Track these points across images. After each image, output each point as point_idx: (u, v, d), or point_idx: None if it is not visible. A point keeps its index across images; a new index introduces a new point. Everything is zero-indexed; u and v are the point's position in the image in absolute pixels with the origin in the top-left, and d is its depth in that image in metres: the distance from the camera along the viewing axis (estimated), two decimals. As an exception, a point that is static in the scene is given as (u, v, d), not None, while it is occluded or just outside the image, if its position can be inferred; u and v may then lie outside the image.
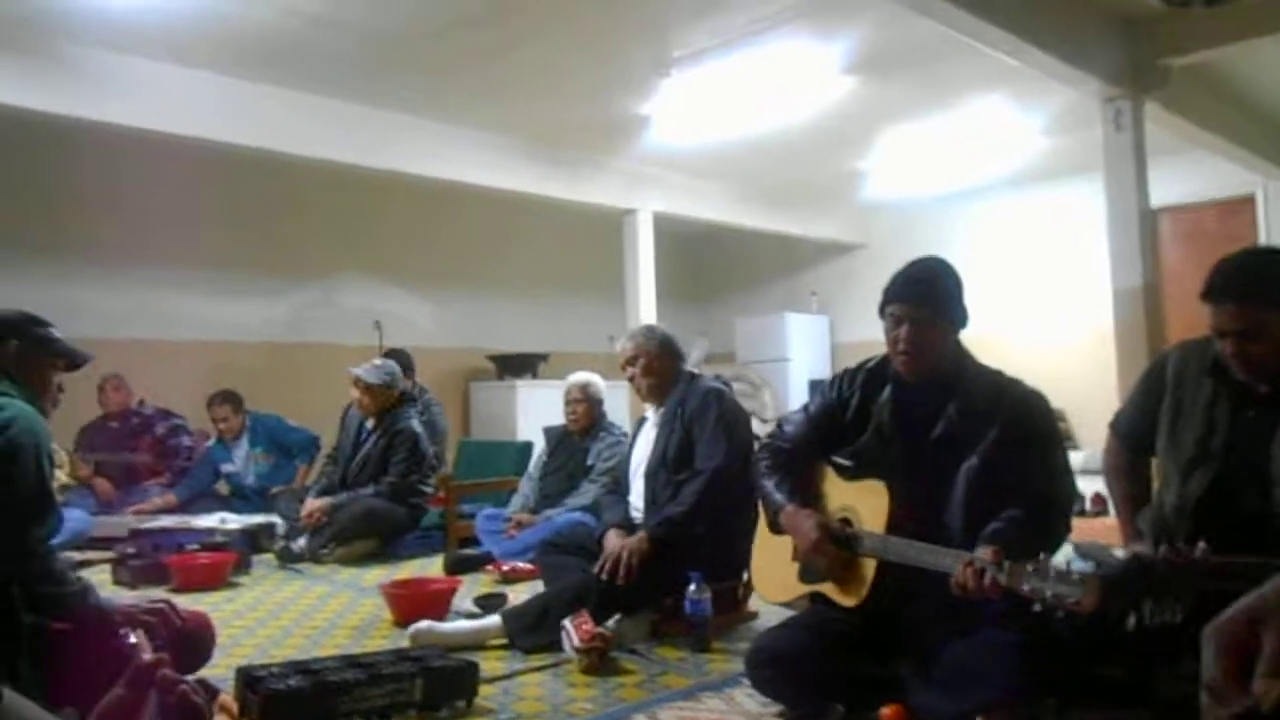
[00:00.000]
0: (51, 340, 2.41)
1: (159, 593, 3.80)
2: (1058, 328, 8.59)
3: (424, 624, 2.93)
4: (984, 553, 1.95)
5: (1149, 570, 2.05)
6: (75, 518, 4.95)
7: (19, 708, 0.62)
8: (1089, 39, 5.20)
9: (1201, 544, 2.02)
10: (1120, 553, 2.77)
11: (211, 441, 6.07)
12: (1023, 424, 2.29)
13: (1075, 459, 6.08)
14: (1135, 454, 2.64)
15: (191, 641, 2.30)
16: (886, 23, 5.09)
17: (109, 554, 4.57)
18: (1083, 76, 5.20)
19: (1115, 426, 2.72)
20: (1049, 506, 2.24)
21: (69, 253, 6.56)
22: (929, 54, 5.55)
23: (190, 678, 1.75)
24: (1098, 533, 4.76)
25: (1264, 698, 0.66)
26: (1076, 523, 5.42)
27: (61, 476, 5.44)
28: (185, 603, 2.75)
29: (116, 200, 6.58)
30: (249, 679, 2.22)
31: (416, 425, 5.15)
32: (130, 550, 4.41)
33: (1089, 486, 5.47)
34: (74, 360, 2.48)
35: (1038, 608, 1.83)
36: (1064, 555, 2.59)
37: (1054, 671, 2.04)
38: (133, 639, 1.80)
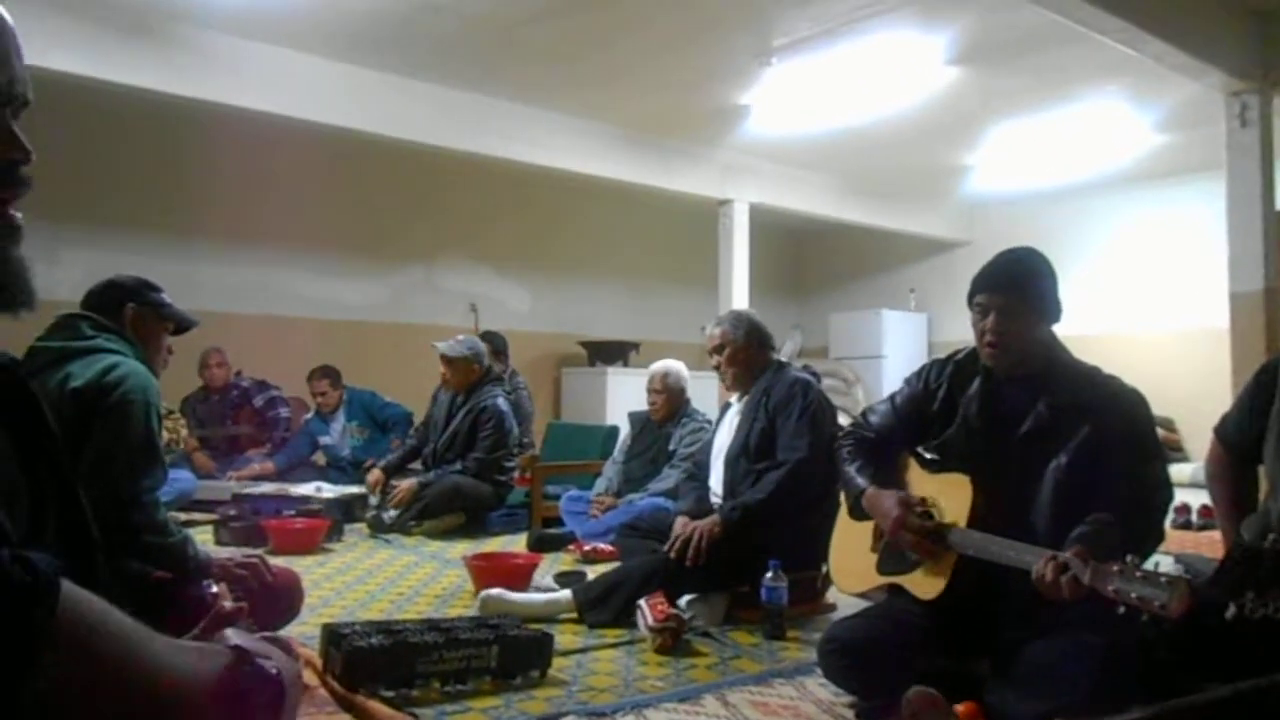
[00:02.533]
0: (163, 304, 2.54)
1: (238, 551, 3.96)
2: (1168, 333, 8.23)
3: (495, 591, 3.00)
4: (1069, 551, 1.89)
5: (1254, 559, 1.95)
6: (182, 478, 5.21)
7: (79, 602, 0.65)
8: (1214, 29, 4.95)
9: None
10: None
11: (310, 414, 6.30)
12: (1117, 423, 2.20)
13: (1183, 471, 5.88)
14: (1241, 460, 2.53)
15: (280, 596, 2.40)
16: (994, 10, 4.94)
17: (211, 515, 4.80)
18: (1206, 68, 4.96)
19: (1220, 431, 2.60)
20: (1141, 511, 2.15)
21: (183, 229, 6.87)
22: (1039, 44, 5.37)
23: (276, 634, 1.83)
24: (1204, 547, 4.56)
25: None
26: (1182, 535, 5.23)
27: (183, 434, 5.71)
28: (279, 563, 2.88)
29: (230, 180, 6.83)
30: (333, 636, 2.30)
31: (503, 403, 5.23)
32: (232, 513, 4.63)
33: (1197, 499, 5.24)
34: (182, 324, 2.61)
35: (1122, 610, 1.76)
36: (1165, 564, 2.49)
37: (1140, 678, 1.97)
38: (214, 588, 1.88)
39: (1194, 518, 5.45)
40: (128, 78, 5.14)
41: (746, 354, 3.37)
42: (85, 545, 0.83)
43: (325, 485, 5.27)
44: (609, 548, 4.08)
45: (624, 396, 7.92)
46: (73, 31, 4.80)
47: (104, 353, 2.31)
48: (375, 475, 5.23)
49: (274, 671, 0.77)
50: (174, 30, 5.27)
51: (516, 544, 4.59)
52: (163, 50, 5.24)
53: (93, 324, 2.39)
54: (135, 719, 0.68)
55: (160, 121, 6.39)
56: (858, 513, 2.46)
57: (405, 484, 5.02)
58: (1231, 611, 1.88)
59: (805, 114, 6.71)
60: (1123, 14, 4.31)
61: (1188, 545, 4.67)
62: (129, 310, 2.45)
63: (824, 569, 3.14)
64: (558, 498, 4.98)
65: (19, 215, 0.84)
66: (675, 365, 4.73)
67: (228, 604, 1.46)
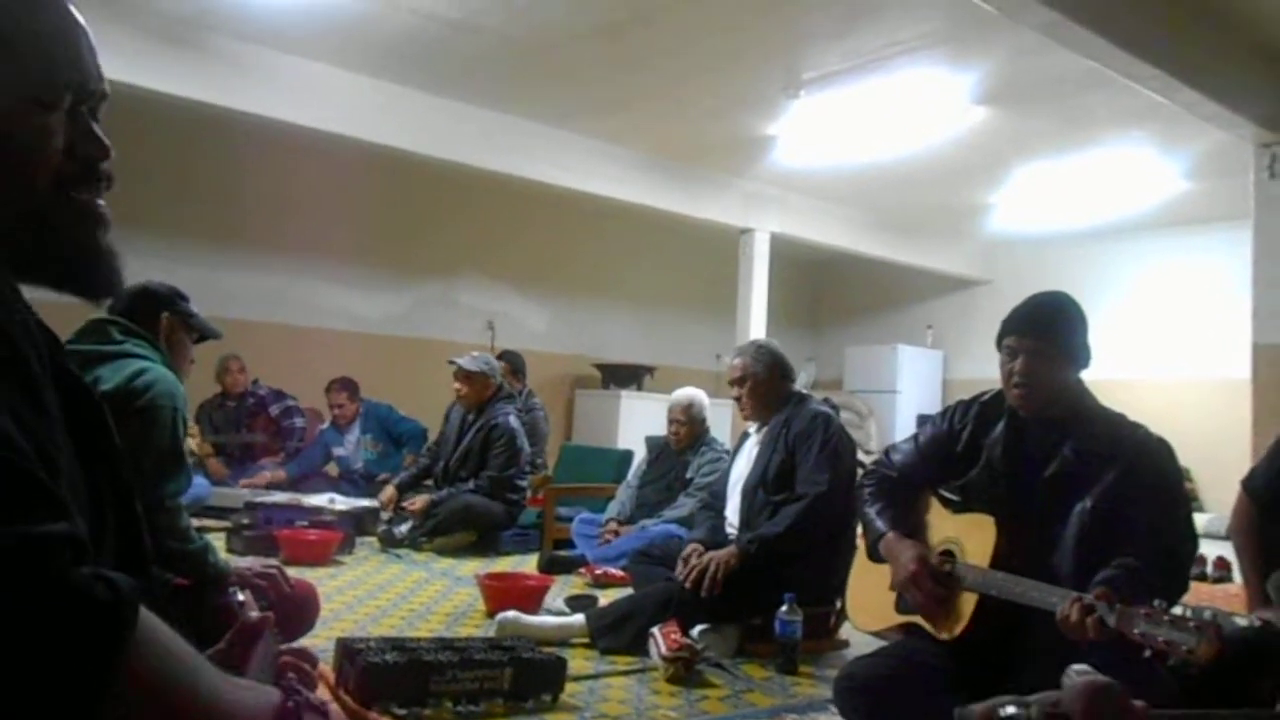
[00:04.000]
0: (191, 314, 2.55)
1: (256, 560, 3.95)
2: (1186, 381, 8.19)
3: (511, 613, 2.99)
4: (1094, 593, 1.88)
5: None
6: (196, 484, 5.20)
7: (154, 626, 0.65)
8: (1247, 79, 4.95)
9: None
10: (1242, 620, 2.62)
11: (325, 425, 6.31)
12: (1145, 470, 2.18)
13: (1198, 521, 5.79)
14: (1269, 515, 2.50)
15: (298, 608, 2.39)
16: (1025, 53, 4.96)
17: (224, 523, 4.80)
18: (1236, 119, 4.96)
19: (1248, 485, 2.58)
20: (1166, 559, 2.13)
21: (207, 235, 6.92)
22: (1067, 87, 5.40)
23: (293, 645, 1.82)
24: (1219, 600, 4.51)
25: None
26: (1197, 587, 5.17)
27: (193, 445, 5.73)
28: (294, 574, 2.87)
29: (254, 189, 6.89)
30: (348, 651, 2.30)
31: (514, 421, 5.23)
32: (245, 521, 4.63)
33: (1212, 550, 5.19)
34: (206, 334, 2.63)
35: (1148, 654, 1.74)
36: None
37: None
38: (240, 597, 1.88)
39: (1209, 569, 5.39)
40: (161, 85, 5.19)
41: (768, 386, 3.36)
42: (139, 558, 0.83)
43: (338, 497, 5.27)
44: (620, 573, 4.07)
45: (637, 420, 7.92)
46: (108, 37, 4.80)
47: (133, 358, 2.32)
48: (389, 493, 5.22)
49: (322, 707, 0.77)
50: (209, 40, 5.33)
51: (527, 564, 4.58)
52: (197, 60, 5.30)
53: (121, 329, 2.40)
54: None
55: (189, 129, 6.45)
56: (876, 556, 2.44)
57: (419, 498, 5.03)
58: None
59: (831, 147, 6.74)
60: (1156, 62, 4.31)
61: (1203, 597, 4.61)
62: (164, 319, 2.47)
63: (838, 604, 3.12)
64: (570, 520, 4.96)
65: (104, 204, 0.83)
66: (698, 394, 4.75)
67: (254, 613, 1.45)
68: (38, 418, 0.65)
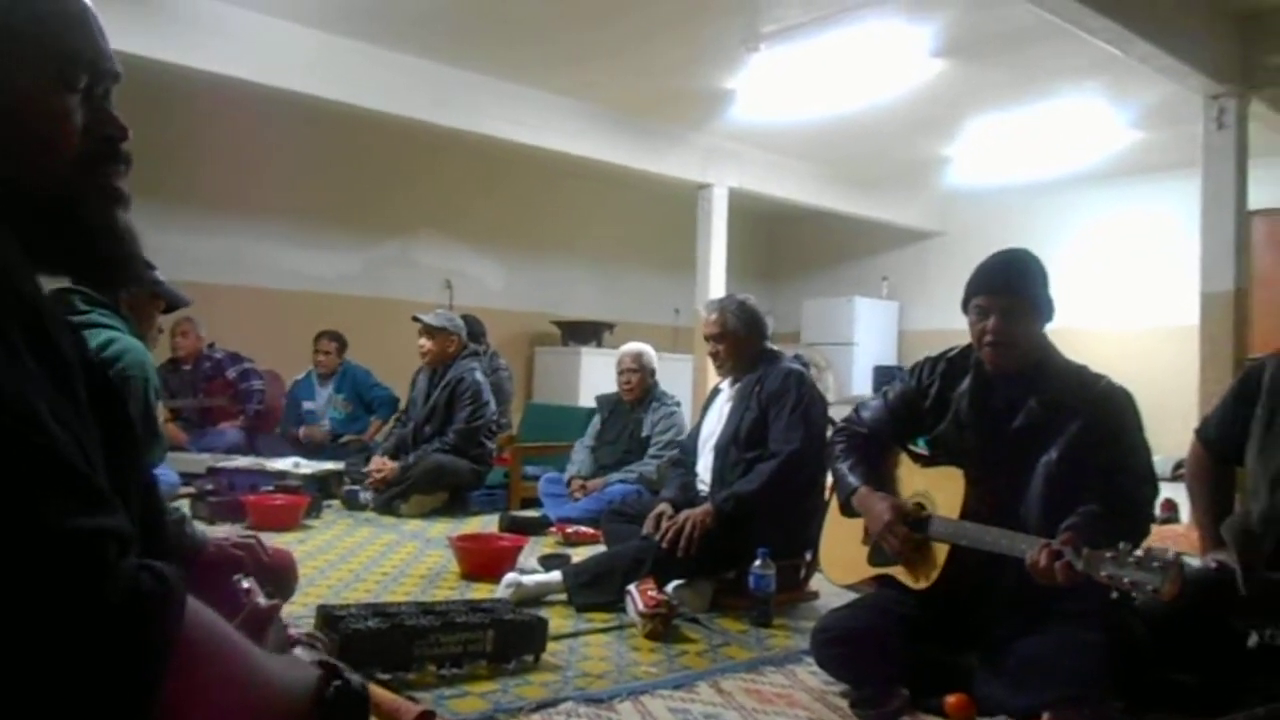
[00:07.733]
0: (157, 282, 2.50)
1: (234, 529, 3.92)
2: (1136, 328, 8.39)
3: (512, 575, 3.06)
4: (1061, 539, 1.95)
5: (1243, 582, 2.03)
6: (164, 475, 5.11)
7: (199, 611, 0.66)
8: (1198, 32, 5.03)
9: None
10: (1195, 561, 2.73)
11: (301, 376, 6.27)
12: (1107, 420, 2.26)
13: (1147, 463, 5.99)
14: (1221, 462, 2.60)
15: (277, 577, 2.38)
16: (981, 5, 4.99)
17: (188, 489, 4.73)
18: (1186, 70, 5.03)
19: (1202, 433, 2.67)
20: (1129, 505, 2.21)
21: (155, 196, 6.67)
22: (1023, 39, 5.43)
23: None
24: (1166, 540, 4.67)
25: None
26: (1144, 528, 5.30)
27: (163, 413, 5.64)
28: (268, 542, 2.85)
29: (204, 147, 6.67)
30: (329, 618, 2.30)
31: (479, 376, 5.19)
32: (209, 487, 4.57)
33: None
34: (174, 303, 2.58)
35: (1115, 595, 1.82)
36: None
37: (1127, 674, 2.03)
38: (246, 584, 1.87)
39: (1155, 511, 5.56)
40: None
41: (747, 344, 3.39)
42: (160, 543, 0.83)
43: (302, 460, 5.22)
44: (591, 530, 4.11)
45: (597, 377, 7.92)
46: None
47: (99, 328, 2.27)
48: (379, 463, 5.04)
49: (361, 686, 0.78)
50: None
51: (495, 525, 4.59)
52: (143, 14, 5.10)
53: (85, 298, 2.35)
54: None
55: (136, 86, 6.19)
56: (848, 510, 2.50)
57: (388, 464, 4.97)
58: (1254, 640, 1.96)
59: (789, 101, 6.73)
60: (1111, 15, 4.36)
61: (1151, 538, 4.77)
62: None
63: (807, 556, 3.19)
64: (537, 478, 4.98)
65: (124, 184, 0.83)
66: (645, 346, 4.89)
67: (262, 601, 1.45)
68: (73, 412, 0.65)
